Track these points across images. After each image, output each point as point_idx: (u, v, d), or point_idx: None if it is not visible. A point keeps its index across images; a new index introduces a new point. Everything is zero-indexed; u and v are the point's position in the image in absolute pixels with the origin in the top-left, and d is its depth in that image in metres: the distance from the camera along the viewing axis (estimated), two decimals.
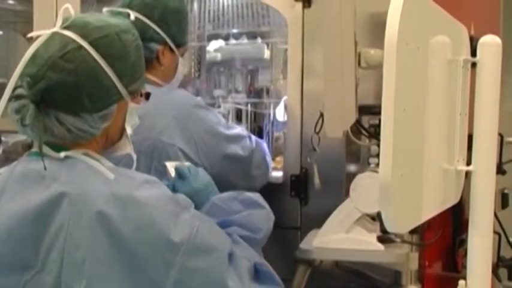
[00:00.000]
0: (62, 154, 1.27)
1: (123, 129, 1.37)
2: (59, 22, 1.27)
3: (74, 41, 1.24)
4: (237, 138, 1.92)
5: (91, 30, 1.26)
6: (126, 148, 1.40)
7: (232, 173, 1.86)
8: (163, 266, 1.21)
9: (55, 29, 1.27)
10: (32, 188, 1.25)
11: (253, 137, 2.02)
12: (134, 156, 1.41)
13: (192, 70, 2.94)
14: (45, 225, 1.21)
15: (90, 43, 1.25)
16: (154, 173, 1.68)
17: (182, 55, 1.96)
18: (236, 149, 1.89)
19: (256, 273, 1.37)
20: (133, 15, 1.76)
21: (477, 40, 1.35)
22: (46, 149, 1.27)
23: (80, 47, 1.24)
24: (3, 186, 1.29)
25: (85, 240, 1.19)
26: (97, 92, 1.26)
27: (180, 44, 1.93)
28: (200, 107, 1.89)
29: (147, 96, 1.40)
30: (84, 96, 1.24)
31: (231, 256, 1.31)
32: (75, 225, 1.19)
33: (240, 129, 2.00)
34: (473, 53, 1.37)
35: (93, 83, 1.25)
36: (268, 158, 2.06)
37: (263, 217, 1.50)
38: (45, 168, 1.23)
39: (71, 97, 1.23)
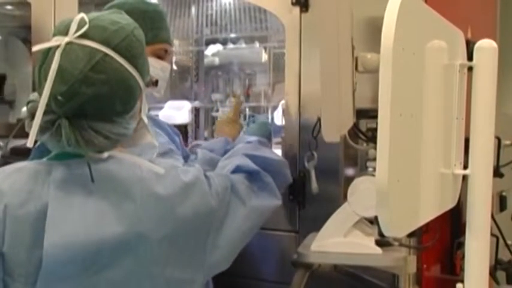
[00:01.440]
0: (106, 154, 1.27)
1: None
2: (72, 30, 1.23)
3: (98, 50, 1.22)
4: None
5: (110, 35, 1.25)
6: (146, 137, 1.41)
7: None
8: (208, 229, 1.38)
9: (68, 39, 1.23)
10: (88, 191, 1.24)
11: None
12: (156, 144, 1.41)
13: (190, 74, 2.95)
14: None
15: (114, 49, 1.24)
16: None
17: (160, 56, 1.92)
18: None
19: (258, 182, 1.61)
20: None
21: (473, 44, 1.36)
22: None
23: (106, 55, 1.23)
24: (39, 196, 1.24)
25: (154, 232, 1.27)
26: (127, 94, 1.27)
27: (150, 43, 1.87)
28: None
29: (156, 82, 1.43)
30: (117, 102, 1.25)
31: (232, 187, 1.50)
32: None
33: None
34: (470, 56, 1.37)
35: (124, 88, 1.25)
36: None
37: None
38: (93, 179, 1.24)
39: (105, 106, 1.23)
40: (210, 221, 1.38)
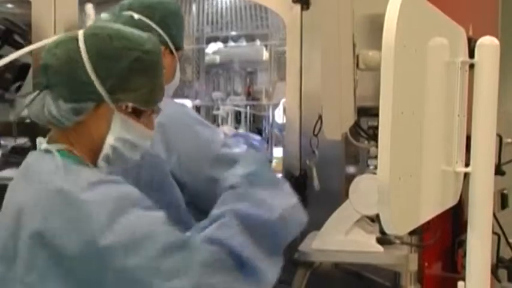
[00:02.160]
0: (43, 146, 1.33)
1: None
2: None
3: (73, 35, 1.32)
4: (229, 162, 1.62)
5: (89, 30, 1.34)
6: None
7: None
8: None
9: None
10: (21, 182, 1.33)
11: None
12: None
13: (191, 72, 2.95)
14: None
15: (84, 42, 1.31)
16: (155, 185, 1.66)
17: (180, 59, 1.96)
18: (221, 173, 1.58)
19: (241, 264, 1.26)
20: (136, 16, 1.77)
21: (475, 41, 1.35)
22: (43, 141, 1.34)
23: (73, 38, 1.31)
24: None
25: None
26: (72, 82, 1.31)
27: (178, 47, 1.93)
28: (192, 119, 1.79)
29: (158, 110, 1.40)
30: (61, 83, 1.30)
31: (185, 244, 1.23)
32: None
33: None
34: (471, 53, 1.37)
35: (70, 72, 1.30)
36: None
37: (283, 197, 1.37)
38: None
39: (54, 81, 1.30)
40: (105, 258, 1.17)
